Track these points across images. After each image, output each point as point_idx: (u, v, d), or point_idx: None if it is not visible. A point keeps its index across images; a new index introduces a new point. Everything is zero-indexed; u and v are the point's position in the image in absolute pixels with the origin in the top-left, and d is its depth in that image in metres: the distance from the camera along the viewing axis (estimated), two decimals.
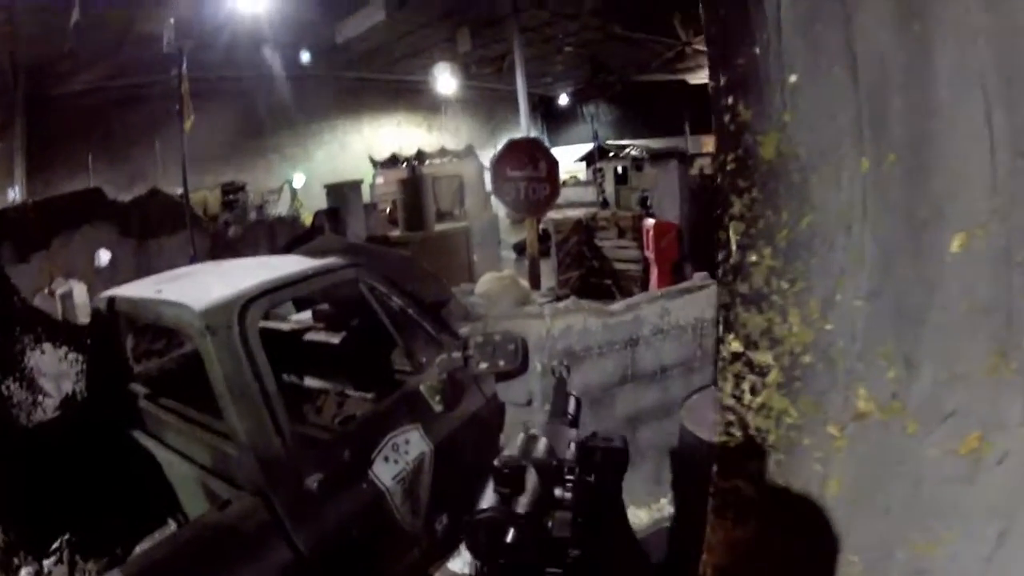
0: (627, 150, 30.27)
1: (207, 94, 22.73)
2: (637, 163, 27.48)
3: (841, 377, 1.81)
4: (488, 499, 1.31)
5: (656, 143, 30.37)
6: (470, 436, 4.81)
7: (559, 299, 6.80)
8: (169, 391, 4.82)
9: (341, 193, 17.95)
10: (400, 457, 4.21)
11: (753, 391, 1.92)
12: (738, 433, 2.00)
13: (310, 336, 6.18)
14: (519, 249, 20.96)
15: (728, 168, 1.90)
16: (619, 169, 28.60)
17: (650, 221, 14.08)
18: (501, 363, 4.27)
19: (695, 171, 17.65)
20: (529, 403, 4.78)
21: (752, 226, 1.84)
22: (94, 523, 4.66)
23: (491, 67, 31.25)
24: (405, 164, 25.90)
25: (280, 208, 27.82)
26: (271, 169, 30.88)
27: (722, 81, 1.88)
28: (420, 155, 27.56)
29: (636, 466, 5.15)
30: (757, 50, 1.80)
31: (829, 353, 1.81)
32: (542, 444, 1.53)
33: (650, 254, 13.94)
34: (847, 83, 1.71)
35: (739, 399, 1.96)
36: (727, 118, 1.88)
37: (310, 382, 6.21)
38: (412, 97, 34.58)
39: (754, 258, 1.84)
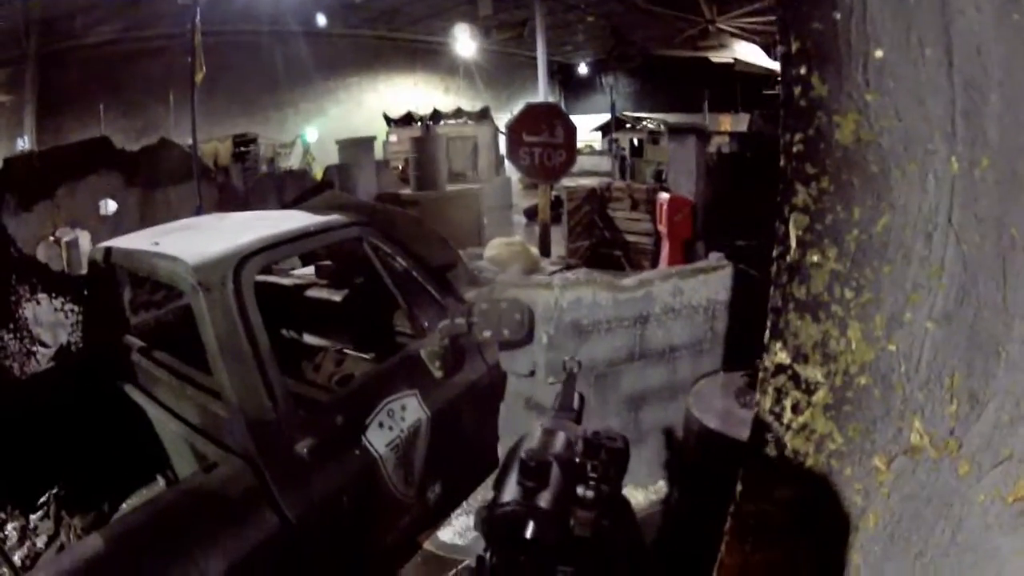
0: (644, 123, 30.14)
1: (223, 47, 22.63)
2: (653, 136, 27.34)
3: (897, 405, 1.62)
4: (511, 491, 1.23)
5: (673, 118, 30.11)
6: (469, 405, 4.71)
7: (569, 268, 6.66)
8: (163, 345, 4.72)
9: (353, 149, 17.87)
10: (395, 424, 4.11)
11: (795, 409, 1.74)
12: (772, 453, 1.81)
13: (312, 292, 6.09)
14: (530, 214, 20.87)
15: (794, 150, 1.68)
16: (635, 141, 28.46)
17: (665, 195, 13.90)
18: (506, 332, 4.15)
19: (713, 149, 17.49)
20: (532, 374, 4.65)
21: (817, 221, 1.62)
22: (82, 478, 4.58)
23: (511, 32, 30.99)
24: (420, 123, 25.75)
25: (292, 161, 27.81)
26: (285, 124, 30.80)
27: (793, 47, 1.65)
28: (435, 115, 27.43)
29: (638, 447, 4.97)
30: (838, 15, 1.57)
31: (889, 378, 1.61)
32: (560, 439, 1.42)
33: (663, 228, 13.77)
34: (941, 68, 1.48)
35: (778, 416, 1.77)
36: (797, 91, 1.65)
37: (309, 339, 6.12)
38: (430, 58, 34.40)
39: (816, 259, 1.63)
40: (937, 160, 1.50)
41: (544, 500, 1.20)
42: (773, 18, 25.07)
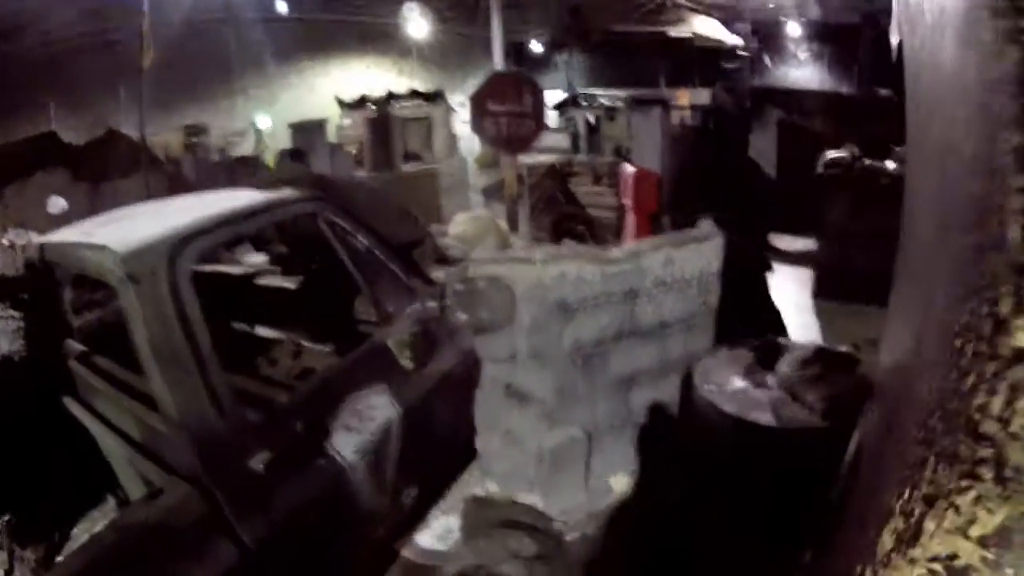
0: (600, 99, 30.21)
1: (174, 36, 22.19)
2: (609, 112, 27.39)
3: None
4: None
5: (631, 93, 30.20)
6: (443, 397, 4.34)
7: (539, 243, 6.35)
8: (103, 349, 4.27)
9: (306, 133, 17.73)
10: (363, 425, 3.70)
11: None
12: (988, 475, 1.35)
13: (264, 280, 5.66)
14: (487, 193, 20.81)
15: None
16: (591, 118, 28.52)
17: (629, 168, 13.64)
18: (484, 315, 3.81)
19: (675, 121, 17.43)
20: (512, 358, 4.25)
21: None
22: (33, 502, 4.21)
23: (464, 11, 30.85)
24: (373, 106, 25.57)
25: (244, 149, 27.53)
26: (236, 111, 30.46)
27: None
28: (390, 96, 27.26)
29: (623, 430, 4.71)
30: None
31: None
32: None
33: (628, 202, 13.51)
34: None
35: (1007, 424, 1.32)
36: None
37: (263, 331, 5.68)
38: (383, 40, 34.15)
39: None
40: None
41: None
42: None
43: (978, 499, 1.29)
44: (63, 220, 11.71)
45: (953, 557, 1.34)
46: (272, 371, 5.42)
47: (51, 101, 24.02)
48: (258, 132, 29.54)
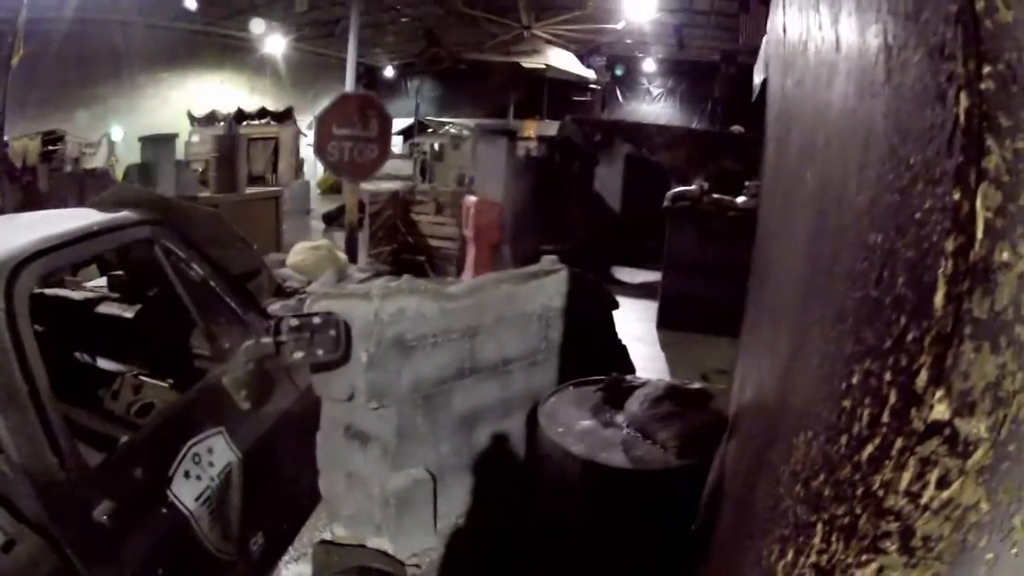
0: (447, 127, 30.38)
1: (45, 36, 21.36)
2: (455, 141, 27.59)
3: None
4: None
5: (479, 122, 30.45)
6: (283, 439, 4.19)
7: (379, 275, 6.26)
8: None
9: (154, 148, 17.19)
10: (203, 471, 3.54)
11: (941, 484, 1.27)
12: (892, 548, 1.34)
13: (103, 308, 5.43)
14: (328, 219, 20.79)
15: (982, 87, 1.19)
16: (436, 145, 28.69)
17: (471, 198, 13.73)
18: (320, 352, 3.70)
19: (521, 152, 17.57)
20: (351, 398, 4.16)
21: (1011, 199, 1.14)
22: None
23: (323, 31, 30.65)
24: (223, 122, 25.14)
25: (97, 161, 26.72)
26: (94, 120, 29.47)
27: None
28: (239, 114, 26.85)
29: (469, 470, 4.71)
30: None
31: None
32: None
33: (469, 233, 13.58)
34: None
35: (915, 497, 1.30)
36: (980, 6, 1.18)
37: (104, 363, 5.44)
38: (239, 55, 33.57)
39: (1006, 256, 1.15)
40: None
41: None
42: (592, 26, 25.54)
43: (880, 570, 1.29)
44: None
45: None
46: (114, 405, 5.20)
47: None
48: (111, 144, 28.71)
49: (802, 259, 2.06)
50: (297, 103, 30.59)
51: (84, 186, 15.69)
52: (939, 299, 1.11)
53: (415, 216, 15.68)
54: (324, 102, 10.94)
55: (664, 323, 10.77)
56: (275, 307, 4.61)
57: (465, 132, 26.89)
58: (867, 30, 1.48)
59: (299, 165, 25.17)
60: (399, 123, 33.47)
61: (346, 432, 4.32)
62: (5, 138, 13.66)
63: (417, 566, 4.36)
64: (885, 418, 1.22)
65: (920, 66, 1.25)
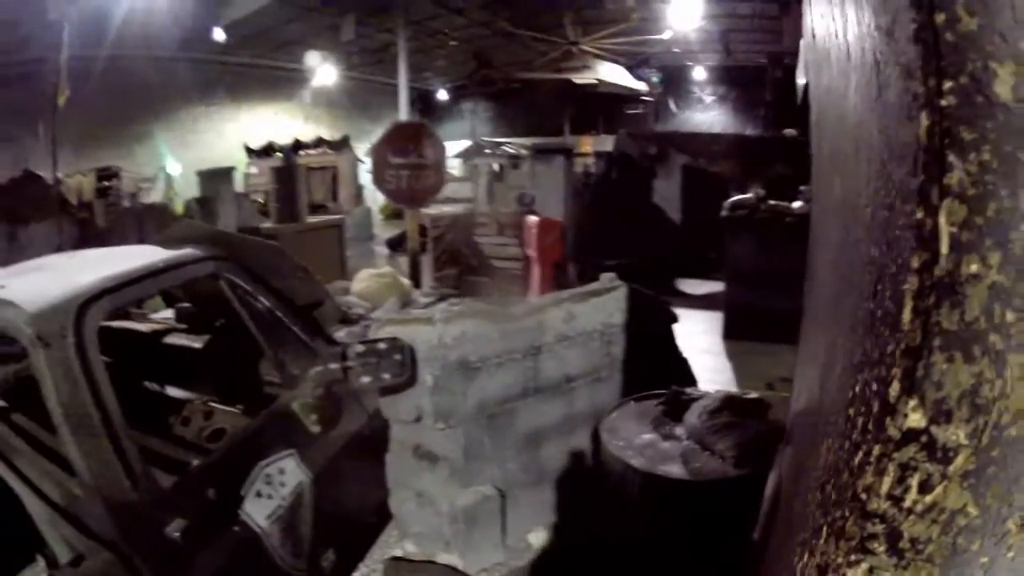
0: (504, 147, 30.35)
1: (91, 72, 21.75)
2: (514, 161, 27.54)
3: None
4: None
5: (535, 142, 30.39)
6: (353, 460, 4.26)
7: (443, 298, 6.33)
8: (21, 405, 4.16)
9: (213, 181, 17.47)
10: (275, 491, 3.66)
11: (924, 487, 1.30)
12: (880, 549, 1.38)
13: (171, 339, 5.58)
14: (392, 245, 20.81)
15: (943, 103, 1.21)
16: (496, 166, 28.62)
17: (533, 218, 13.75)
18: (386, 376, 3.79)
19: (579, 169, 17.56)
20: (418, 420, 4.23)
21: (976, 212, 1.17)
22: None
23: (372, 59, 30.86)
24: (280, 153, 25.41)
25: (154, 196, 27.11)
26: (149, 155, 29.93)
27: None
28: (296, 144, 27.11)
29: (541, 486, 4.75)
30: None
31: None
32: None
33: (532, 252, 13.59)
34: None
35: (898, 501, 1.34)
36: (939, 19, 1.21)
37: (173, 391, 5.59)
38: (291, 86, 33.95)
39: (975, 268, 1.18)
40: None
41: None
42: (639, 38, 25.51)
43: (871, 571, 1.33)
44: None
45: None
46: (184, 431, 5.33)
47: None
48: (168, 178, 29.07)
49: (831, 268, 2.09)
50: (353, 131, 30.81)
51: (143, 221, 16.01)
52: (907, 314, 1.15)
53: (477, 238, 15.69)
54: (379, 129, 11.03)
55: (730, 334, 10.68)
56: (341, 334, 4.71)
57: (523, 151, 26.86)
58: (864, 44, 1.51)
59: (359, 192, 25.31)
60: (456, 145, 33.68)
61: (414, 452, 4.41)
62: (59, 175, 13.88)
63: None
64: (870, 426, 1.26)
65: (897, 84, 1.30)
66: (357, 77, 33.80)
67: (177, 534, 3.07)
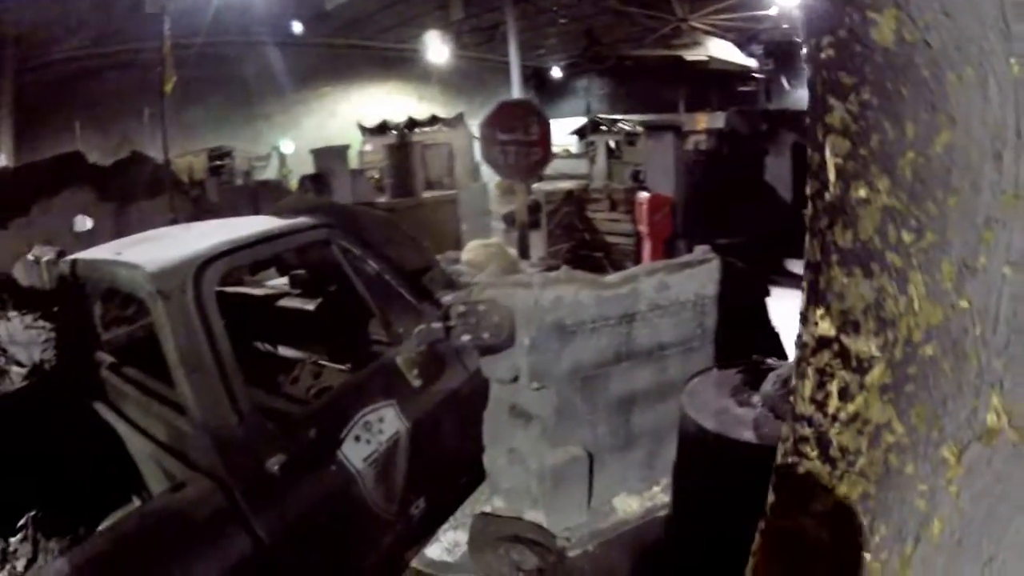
0: (620, 124, 30.14)
1: (195, 60, 22.44)
2: (630, 138, 27.34)
3: (971, 379, 1.30)
4: None
5: (650, 118, 30.11)
6: (450, 414, 4.52)
7: (549, 269, 6.50)
8: (132, 360, 4.55)
9: (327, 158, 17.83)
10: (373, 437, 3.91)
11: (844, 395, 1.43)
12: (812, 453, 1.52)
13: (284, 302, 5.90)
14: (508, 220, 20.81)
15: (824, 56, 1.39)
16: (611, 143, 28.43)
17: (644, 195, 13.82)
18: (485, 335, 4.00)
19: (690, 146, 17.47)
20: (515, 379, 4.43)
21: (861, 144, 1.30)
22: (60, 500, 4.41)
23: (483, 37, 30.97)
24: (394, 131, 25.72)
25: (268, 174, 27.78)
26: (259, 136, 30.66)
27: None
28: (410, 122, 27.44)
29: (629, 451, 4.87)
30: None
31: (961, 344, 1.30)
32: None
33: (643, 228, 13.67)
34: None
35: (822, 406, 1.47)
36: None
37: (285, 351, 5.92)
38: (402, 66, 34.29)
39: (863, 193, 1.31)
40: (996, 61, 1.24)
41: None
42: (747, 14, 25.23)
43: (807, 475, 1.49)
44: (88, 238, 11.96)
45: (801, 530, 1.53)
46: (293, 389, 5.63)
47: (77, 118, 24.30)
48: (281, 156, 29.78)
49: None
50: (467, 108, 30.97)
51: (257, 197, 16.49)
52: (808, 235, 1.31)
53: (590, 213, 15.85)
54: (496, 102, 11.18)
55: None
56: (447, 298, 4.93)
57: (638, 128, 26.70)
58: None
59: (475, 168, 25.51)
60: (572, 122, 33.66)
61: (510, 411, 4.60)
62: (168, 156, 14.40)
63: (568, 539, 4.56)
64: (797, 336, 1.44)
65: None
66: (469, 55, 33.95)
67: (276, 468, 3.35)
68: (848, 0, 1.30)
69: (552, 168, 11.29)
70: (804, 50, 1.41)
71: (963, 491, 1.37)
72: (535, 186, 15.60)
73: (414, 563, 4.48)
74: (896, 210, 1.29)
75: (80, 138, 23.94)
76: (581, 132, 32.57)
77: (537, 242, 14.15)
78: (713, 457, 3.56)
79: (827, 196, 1.33)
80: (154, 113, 20.89)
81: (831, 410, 1.42)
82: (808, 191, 1.40)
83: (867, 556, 1.46)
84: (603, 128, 30.11)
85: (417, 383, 4.09)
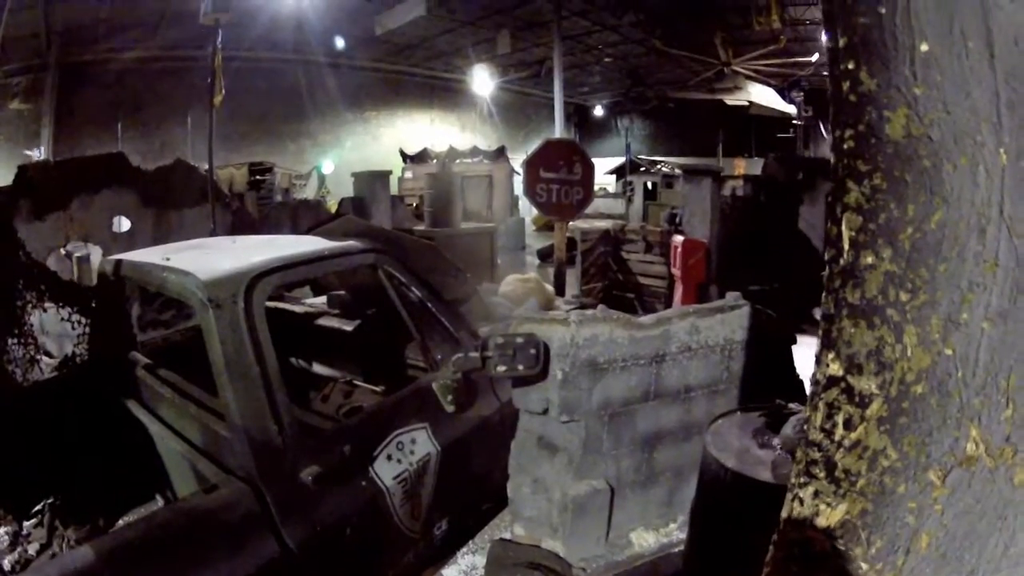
0: (658, 166, 30.25)
1: (242, 73, 22.78)
2: (668, 180, 27.45)
3: (954, 413, 1.54)
4: None
5: (687, 161, 30.20)
6: (480, 441, 4.64)
7: (584, 307, 6.61)
8: (169, 363, 4.68)
9: (368, 182, 17.91)
10: (404, 456, 4.05)
11: (848, 425, 1.66)
12: (820, 474, 1.73)
13: (323, 321, 6.04)
14: (543, 256, 20.97)
15: (845, 147, 1.62)
16: (649, 184, 28.51)
17: (679, 238, 13.93)
18: (520, 367, 4.12)
19: (727, 192, 17.53)
20: (545, 412, 4.54)
21: (871, 220, 1.56)
22: (79, 490, 4.54)
23: (528, 71, 31.23)
24: (435, 160, 25.91)
25: (307, 192, 28.04)
26: (301, 154, 31.01)
27: (841, 42, 1.59)
28: (451, 152, 27.63)
29: (650, 487, 4.97)
30: (883, 9, 1.53)
31: (945, 384, 1.54)
32: None
33: (676, 271, 13.77)
34: (983, 60, 1.46)
35: (829, 434, 1.69)
36: (846, 86, 1.60)
37: (319, 368, 6.07)
38: (447, 95, 34.65)
39: (870, 260, 1.56)
40: (986, 152, 1.48)
41: None
42: (789, 60, 25.34)
43: (816, 494, 1.70)
44: (125, 240, 12.16)
45: (809, 541, 1.72)
46: (324, 407, 5.75)
47: (119, 119, 24.60)
48: (322, 177, 30.01)
49: None
50: (508, 142, 31.24)
51: (297, 215, 16.72)
52: (825, 292, 1.53)
53: (625, 254, 15.91)
54: (535, 141, 11.32)
55: None
56: (484, 329, 5.06)
57: (677, 171, 26.80)
58: None
59: (514, 203, 25.63)
60: (611, 162, 33.81)
61: (538, 442, 4.70)
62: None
63: (583, 569, 4.63)
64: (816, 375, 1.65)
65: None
66: (514, 89, 34.27)
67: (309, 478, 3.48)
68: (870, 100, 1.51)
69: (590, 207, 11.38)
70: (830, 140, 1.63)
71: (947, 509, 1.60)
72: (572, 224, 15.71)
73: None
74: (896, 274, 1.53)
75: (122, 140, 24.32)
76: (619, 172, 32.69)
77: (571, 279, 14.21)
78: (731, 495, 3.64)
79: (841, 261, 1.58)
80: (197, 122, 21.16)
81: (837, 437, 1.65)
82: (826, 257, 1.62)
83: (864, 567, 1.66)
84: (642, 169, 30.23)
85: (451, 409, 4.23)
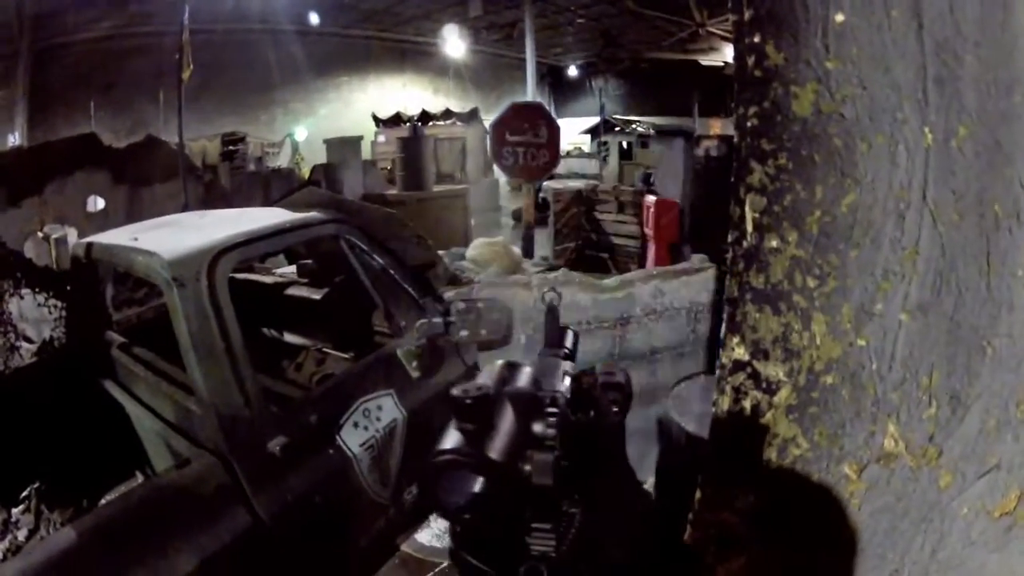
0: (634, 126, 30.15)
1: (213, 46, 22.64)
2: (643, 140, 27.38)
3: (868, 408, 1.51)
4: (450, 438, 1.06)
5: (663, 122, 30.15)
6: (446, 406, 4.63)
7: (551, 269, 6.61)
8: (142, 341, 4.70)
9: (340, 149, 17.87)
10: (371, 423, 4.07)
11: (756, 411, 1.65)
12: (731, 459, 1.74)
13: (292, 291, 6.04)
14: (517, 216, 20.91)
15: (749, 125, 1.58)
16: (624, 144, 28.44)
17: (651, 198, 13.92)
18: (483, 332, 4.11)
19: (701, 152, 17.52)
20: None
21: (775, 202, 1.52)
22: (63, 473, 4.55)
23: (500, 33, 31.03)
24: (408, 124, 25.80)
25: (281, 161, 27.87)
26: (274, 123, 30.81)
27: (746, 14, 1.55)
28: (424, 116, 27.50)
29: None
30: None
31: (858, 376, 1.51)
32: (524, 374, 1.30)
33: (649, 231, 13.77)
34: (910, 31, 1.37)
35: (737, 418, 1.69)
36: (751, 61, 1.55)
37: (290, 337, 6.07)
38: (419, 59, 34.40)
39: (774, 243, 1.53)
40: (908, 131, 1.41)
41: (491, 446, 1.04)
42: None
43: (728, 477, 1.71)
44: (100, 219, 12.11)
45: (724, 523, 1.73)
46: (297, 375, 5.76)
47: (92, 100, 24.44)
48: (295, 144, 29.83)
49: None
50: (482, 104, 31.01)
51: (269, 184, 16.87)
52: (729, 276, 1.52)
53: (598, 214, 15.98)
54: (509, 102, 11.27)
55: None
56: (449, 294, 5.07)
57: (652, 131, 26.70)
58: None
59: (488, 164, 25.57)
60: (586, 122, 33.71)
61: None
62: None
63: None
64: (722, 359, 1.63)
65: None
66: (486, 51, 34.04)
67: (277, 448, 3.50)
68: (776, 75, 1.46)
69: (563, 167, 11.27)
70: (733, 118, 1.58)
71: (864, 505, 1.57)
72: (545, 184, 15.65)
73: (405, 547, 4.61)
74: (803, 259, 1.47)
75: (95, 120, 24.14)
76: (594, 132, 32.58)
77: (544, 240, 14.21)
78: (690, 458, 3.69)
79: (744, 244, 1.53)
80: (169, 97, 21.02)
81: (744, 423, 1.60)
82: (728, 239, 1.58)
83: (781, 553, 1.64)
84: (616, 129, 30.16)
85: (416, 375, 4.25)
